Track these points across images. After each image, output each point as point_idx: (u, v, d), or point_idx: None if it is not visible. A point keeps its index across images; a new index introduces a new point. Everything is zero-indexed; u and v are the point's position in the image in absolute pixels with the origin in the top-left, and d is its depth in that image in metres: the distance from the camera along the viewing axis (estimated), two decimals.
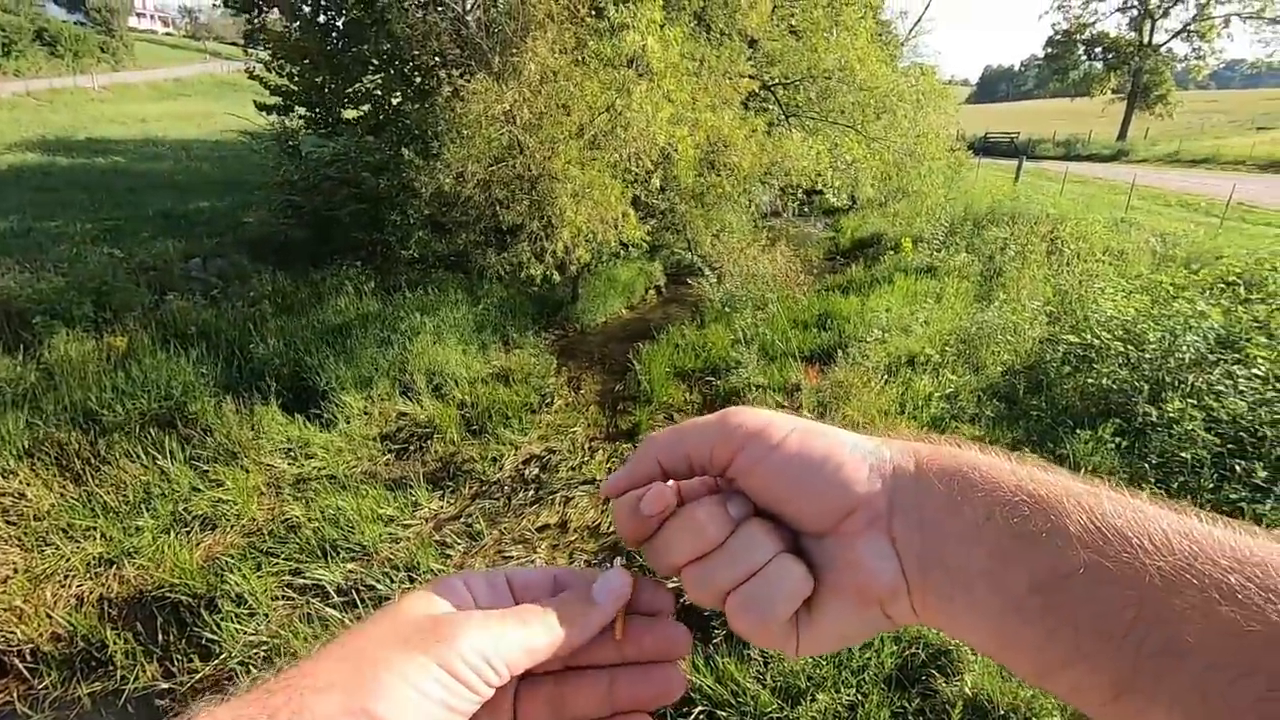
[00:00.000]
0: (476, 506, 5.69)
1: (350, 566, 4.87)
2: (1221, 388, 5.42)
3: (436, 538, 5.27)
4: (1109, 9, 42.49)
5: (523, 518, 5.56)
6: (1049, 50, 46.33)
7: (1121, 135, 39.83)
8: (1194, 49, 41.43)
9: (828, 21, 11.58)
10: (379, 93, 11.36)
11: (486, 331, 8.94)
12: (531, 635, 0.40)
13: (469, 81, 7.69)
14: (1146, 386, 5.73)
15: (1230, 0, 38.90)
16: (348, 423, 6.70)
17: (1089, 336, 6.51)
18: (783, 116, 12.40)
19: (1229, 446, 5.05)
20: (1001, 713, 3.31)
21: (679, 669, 0.46)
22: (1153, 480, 4.93)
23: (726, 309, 9.58)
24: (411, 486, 5.77)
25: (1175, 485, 4.90)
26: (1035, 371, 6.76)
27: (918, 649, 3.73)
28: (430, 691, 0.36)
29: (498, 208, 8.43)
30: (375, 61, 10.94)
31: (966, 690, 3.43)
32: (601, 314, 10.82)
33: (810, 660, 3.77)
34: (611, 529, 5.42)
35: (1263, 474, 4.75)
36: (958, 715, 3.29)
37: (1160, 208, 17.10)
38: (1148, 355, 5.98)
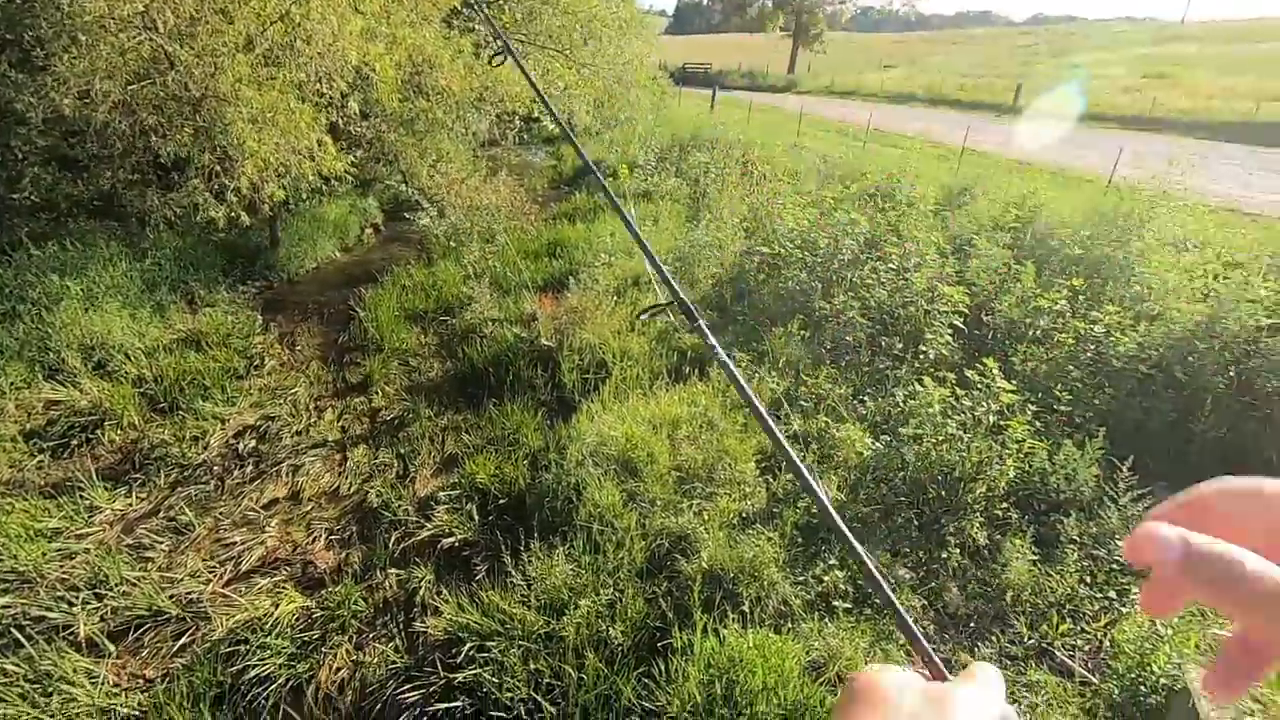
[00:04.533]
0: (179, 496, 4.85)
1: (3, 601, 3.86)
2: (870, 281, 6.68)
3: (128, 541, 4.40)
4: None
5: (242, 497, 4.89)
6: None
7: (791, 69, 45.71)
8: None
9: None
10: None
11: (162, 290, 7.42)
12: None
13: None
14: (820, 285, 6.84)
15: None
16: None
17: (776, 247, 7.51)
18: (491, 38, 11.84)
19: (877, 328, 6.31)
20: (731, 575, 3.85)
21: None
22: (828, 361, 5.98)
23: (453, 244, 9.16)
24: (81, 488, 4.70)
25: (844, 364, 6.00)
26: (738, 281, 7.65)
27: (662, 539, 4.15)
28: None
29: (151, 137, 6.86)
30: None
31: (704, 565, 3.92)
32: (311, 259, 9.63)
33: (569, 570, 3.97)
34: (353, 491, 5.03)
35: (899, 346, 6.03)
36: (698, 587, 3.75)
37: (822, 133, 20.09)
38: (819, 259, 7.11)
